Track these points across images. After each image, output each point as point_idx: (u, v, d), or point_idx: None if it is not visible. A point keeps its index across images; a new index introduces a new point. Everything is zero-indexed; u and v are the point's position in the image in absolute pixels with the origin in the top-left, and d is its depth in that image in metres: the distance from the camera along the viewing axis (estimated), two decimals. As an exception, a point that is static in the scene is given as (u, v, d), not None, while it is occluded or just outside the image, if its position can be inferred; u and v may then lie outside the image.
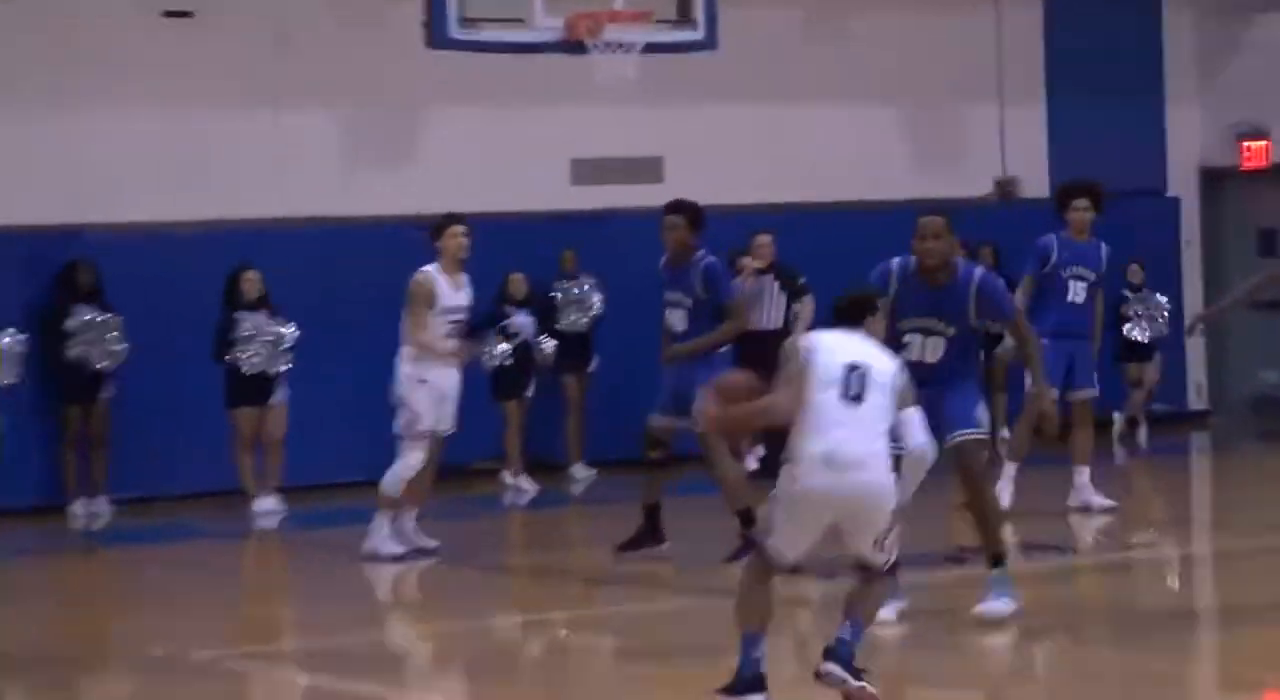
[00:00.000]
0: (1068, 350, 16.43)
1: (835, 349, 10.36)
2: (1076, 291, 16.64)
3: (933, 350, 12.64)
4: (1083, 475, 17.04)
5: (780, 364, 10.36)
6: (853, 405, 10.21)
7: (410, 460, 15.75)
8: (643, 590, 14.61)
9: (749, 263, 19.82)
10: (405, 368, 15.77)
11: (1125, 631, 13.00)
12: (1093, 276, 16.87)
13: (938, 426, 11.66)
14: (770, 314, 19.98)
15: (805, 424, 10.20)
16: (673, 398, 15.38)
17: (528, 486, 20.01)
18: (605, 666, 12.79)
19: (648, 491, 15.56)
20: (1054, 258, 16.82)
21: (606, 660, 12.95)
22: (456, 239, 15.98)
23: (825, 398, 10.19)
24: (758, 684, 10.15)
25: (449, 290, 15.81)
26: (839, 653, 10.24)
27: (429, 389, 15.80)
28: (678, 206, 15.84)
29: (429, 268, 15.86)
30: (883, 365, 10.41)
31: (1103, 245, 16.97)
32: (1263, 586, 14.25)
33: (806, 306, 20.10)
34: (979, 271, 12.92)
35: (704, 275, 15.51)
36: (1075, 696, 11.41)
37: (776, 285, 20.05)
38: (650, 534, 15.60)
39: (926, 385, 11.61)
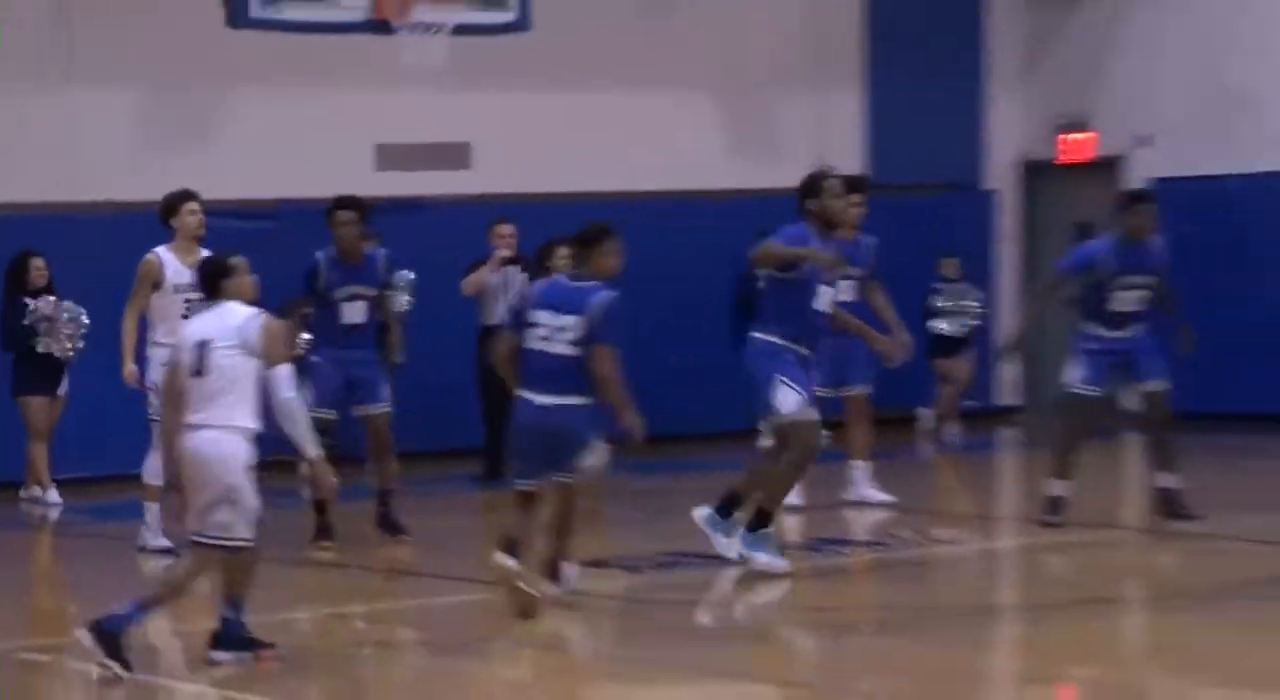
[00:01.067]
0: (835, 348, 16.39)
1: (190, 332, 11.64)
2: (841, 289, 16.26)
3: None
4: (859, 470, 17.64)
5: None
6: (197, 379, 11.37)
7: None
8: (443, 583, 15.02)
9: (498, 254, 19.92)
10: (155, 351, 15.74)
11: (927, 626, 13.28)
12: (860, 272, 17.20)
13: None
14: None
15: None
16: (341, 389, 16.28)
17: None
18: (407, 659, 13.13)
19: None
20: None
21: (408, 653, 13.31)
22: (194, 216, 16.25)
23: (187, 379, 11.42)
24: None
25: (181, 269, 15.81)
26: (228, 634, 11.57)
27: None
28: (351, 202, 16.58)
29: (159, 248, 16.06)
30: (225, 332, 11.41)
31: (865, 239, 17.37)
32: (1065, 581, 14.86)
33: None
34: None
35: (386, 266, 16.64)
36: (876, 690, 11.63)
37: (525, 276, 19.47)
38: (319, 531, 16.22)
39: None
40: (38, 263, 19.33)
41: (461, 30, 17.39)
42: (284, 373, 11.28)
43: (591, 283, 13.33)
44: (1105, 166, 24.65)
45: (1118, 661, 12.54)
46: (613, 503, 17.14)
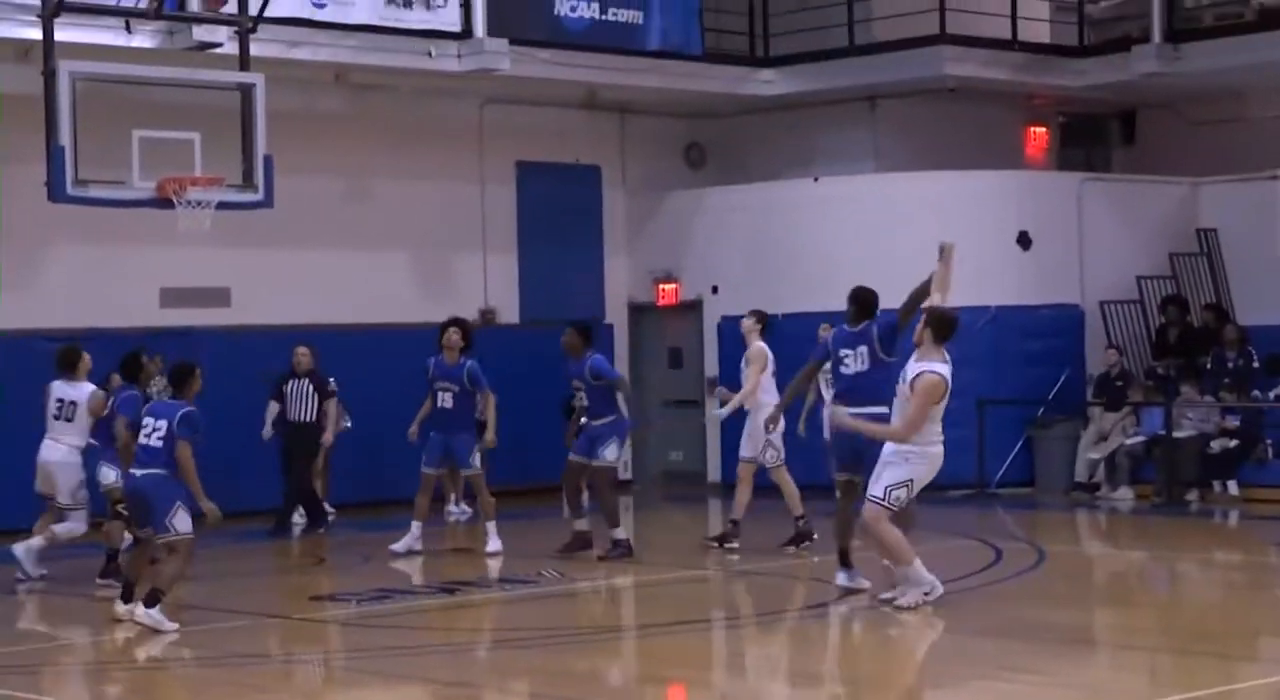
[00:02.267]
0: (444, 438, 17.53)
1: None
2: (445, 399, 17.61)
3: None
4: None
5: None
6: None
7: None
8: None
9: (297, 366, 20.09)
10: None
11: (561, 642, 13.11)
12: (456, 387, 17.64)
13: None
14: (306, 409, 20.09)
15: None
16: None
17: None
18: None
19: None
20: (430, 372, 17.81)
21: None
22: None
23: None
24: None
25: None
26: None
27: None
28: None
29: None
30: None
31: (468, 363, 17.80)
32: (667, 607, 14.73)
33: (333, 405, 20.29)
34: None
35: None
36: (508, 691, 11.51)
37: (311, 387, 20.09)
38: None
39: None
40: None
41: (223, 205, 17.14)
42: None
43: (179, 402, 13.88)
44: (689, 307, 24.89)
45: (707, 667, 12.47)
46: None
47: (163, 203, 16.79)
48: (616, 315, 25.26)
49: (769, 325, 18.03)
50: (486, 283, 24.00)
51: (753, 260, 24.05)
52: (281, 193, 17.58)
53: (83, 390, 16.19)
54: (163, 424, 13.63)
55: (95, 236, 20.31)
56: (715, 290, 24.53)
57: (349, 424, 20.94)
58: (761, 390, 17.45)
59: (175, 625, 13.43)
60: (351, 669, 12.42)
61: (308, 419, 20.08)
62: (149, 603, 13.42)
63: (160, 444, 13.58)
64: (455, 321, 18.20)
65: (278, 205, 17.64)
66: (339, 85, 22.40)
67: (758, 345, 17.70)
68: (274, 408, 20.23)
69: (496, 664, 12.58)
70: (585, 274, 24.94)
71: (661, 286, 25.15)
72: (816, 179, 24.12)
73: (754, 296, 23.45)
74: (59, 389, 16.26)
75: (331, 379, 20.49)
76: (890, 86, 24.03)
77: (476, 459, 17.70)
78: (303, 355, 20.17)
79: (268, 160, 17.31)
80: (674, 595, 15.49)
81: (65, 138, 16.24)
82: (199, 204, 16.81)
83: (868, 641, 12.90)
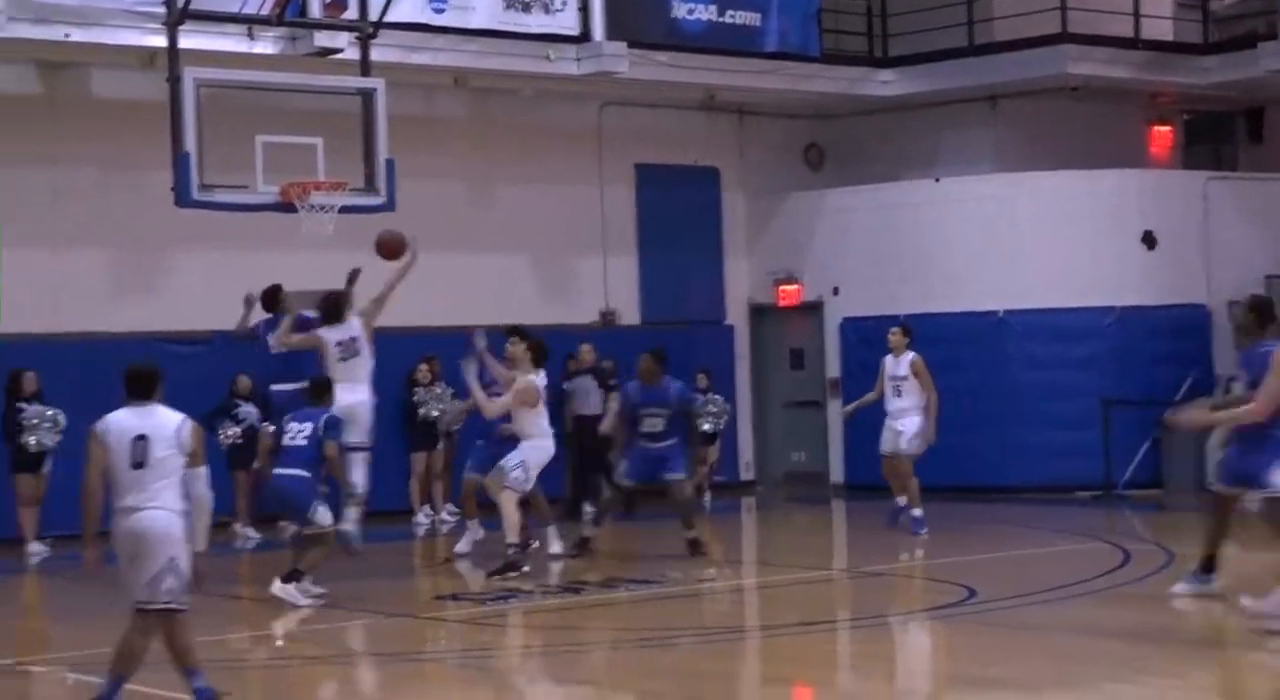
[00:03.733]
0: None
1: (125, 426, 9.94)
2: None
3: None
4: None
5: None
6: (135, 470, 9.86)
7: None
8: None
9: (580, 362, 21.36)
10: None
11: (694, 641, 13.11)
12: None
13: None
14: (591, 403, 20.97)
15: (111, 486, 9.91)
16: None
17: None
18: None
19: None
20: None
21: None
22: None
23: (117, 466, 9.90)
24: None
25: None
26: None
27: None
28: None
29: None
30: (163, 431, 9.91)
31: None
32: (792, 608, 14.61)
33: (614, 398, 20.55)
34: None
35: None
36: (644, 690, 11.42)
37: (594, 381, 21.06)
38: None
39: None
40: (28, 375, 18.98)
41: (346, 210, 17.21)
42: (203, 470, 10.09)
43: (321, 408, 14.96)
44: (810, 309, 24.80)
45: (834, 668, 12.37)
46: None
47: (286, 207, 16.91)
48: (737, 317, 25.22)
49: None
50: (607, 284, 24.02)
51: (874, 261, 23.93)
52: (403, 196, 17.64)
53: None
54: (308, 426, 14.74)
55: (220, 241, 20.46)
56: (836, 291, 24.44)
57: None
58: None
59: (308, 601, 14.25)
60: (475, 668, 12.41)
61: (593, 412, 20.83)
62: (287, 579, 14.44)
63: (305, 444, 14.66)
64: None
65: (399, 209, 17.68)
66: (459, 89, 22.49)
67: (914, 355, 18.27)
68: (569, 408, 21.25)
69: (623, 664, 12.51)
70: (705, 275, 24.90)
71: (782, 288, 25.07)
72: (938, 179, 23.97)
73: (875, 297, 23.52)
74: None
75: (612, 376, 21.26)
76: (1011, 86, 23.83)
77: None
78: (585, 352, 21.22)
79: (389, 164, 17.39)
80: (798, 597, 15.38)
81: (190, 144, 16.39)
82: (322, 208, 16.91)
83: (996, 643, 12.74)
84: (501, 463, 16.09)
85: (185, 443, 9.88)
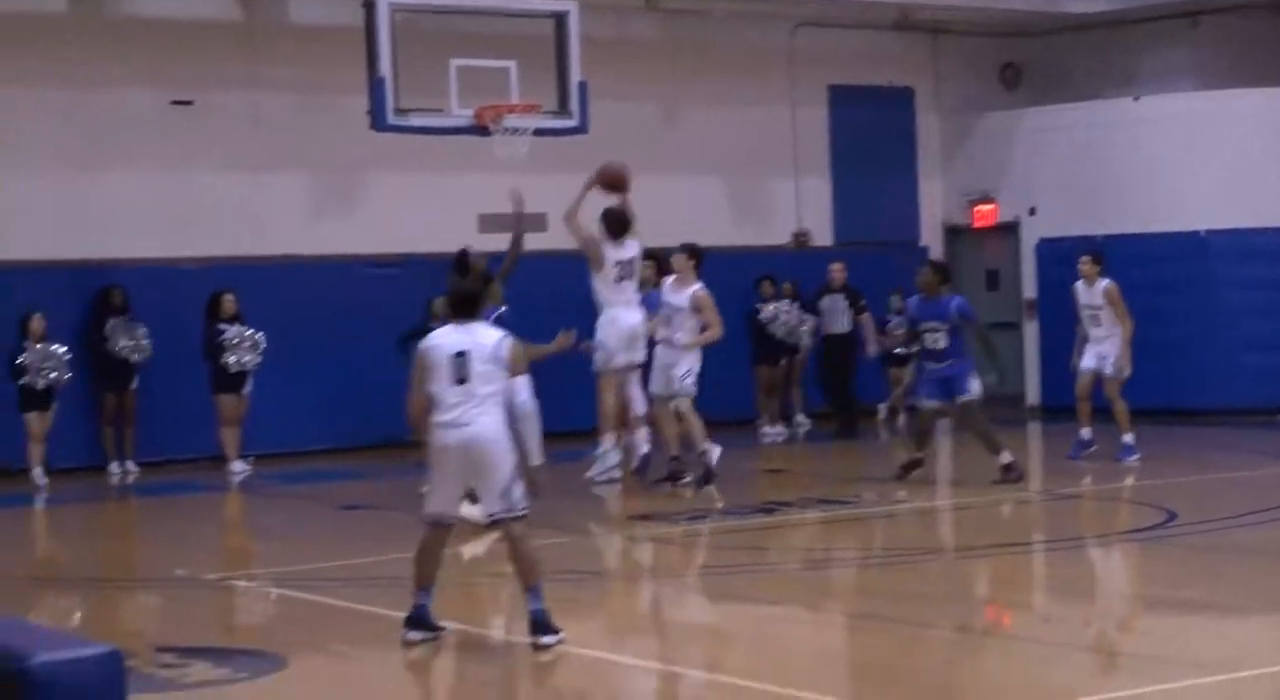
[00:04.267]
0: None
1: (445, 344, 9.90)
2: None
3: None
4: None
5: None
6: (458, 385, 9.81)
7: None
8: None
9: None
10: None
11: (890, 564, 13.15)
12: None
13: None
14: (841, 321, 21.51)
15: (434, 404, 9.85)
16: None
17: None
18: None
19: None
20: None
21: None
22: None
23: (440, 382, 9.82)
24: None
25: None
26: (540, 623, 9.78)
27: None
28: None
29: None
30: (482, 348, 9.85)
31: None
32: (987, 530, 14.57)
33: (867, 318, 21.66)
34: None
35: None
36: (839, 610, 11.47)
37: (845, 301, 21.49)
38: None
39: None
40: (228, 296, 19.28)
41: (539, 132, 17.31)
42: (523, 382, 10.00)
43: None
44: (1006, 229, 24.55)
45: (1030, 589, 12.31)
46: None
47: (480, 130, 17.05)
48: (932, 238, 25.06)
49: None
50: (799, 206, 23.94)
51: (1071, 181, 23.65)
52: (595, 119, 17.71)
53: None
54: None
55: (415, 164, 20.68)
56: (1033, 212, 24.19)
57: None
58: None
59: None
60: (672, 587, 12.50)
61: (841, 330, 21.33)
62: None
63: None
64: None
65: (592, 131, 17.73)
66: (651, 11, 22.49)
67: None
68: (812, 322, 21.73)
69: (816, 583, 12.53)
70: (899, 196, 24.75)
71: (978, 208, 24.86)
72: (1137, 98, 23.56)
73: (1072, 217, 23.25)
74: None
75: (863, 296, 21.69)
76: (1213, 2, 23.32)
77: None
78: (836, 272, 21.52)
79: (582, 87, 17.45)
80: (994, 519, 15.28)
81: (386, 68, 16.56)
82: (515, 131, 17.03)
83: (1197, 566, 12.58)
84: (673, 373, 16.26)
85: (504, 357, 9.87)
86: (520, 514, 9.91)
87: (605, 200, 16.75)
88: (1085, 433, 18.12)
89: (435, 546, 10.08)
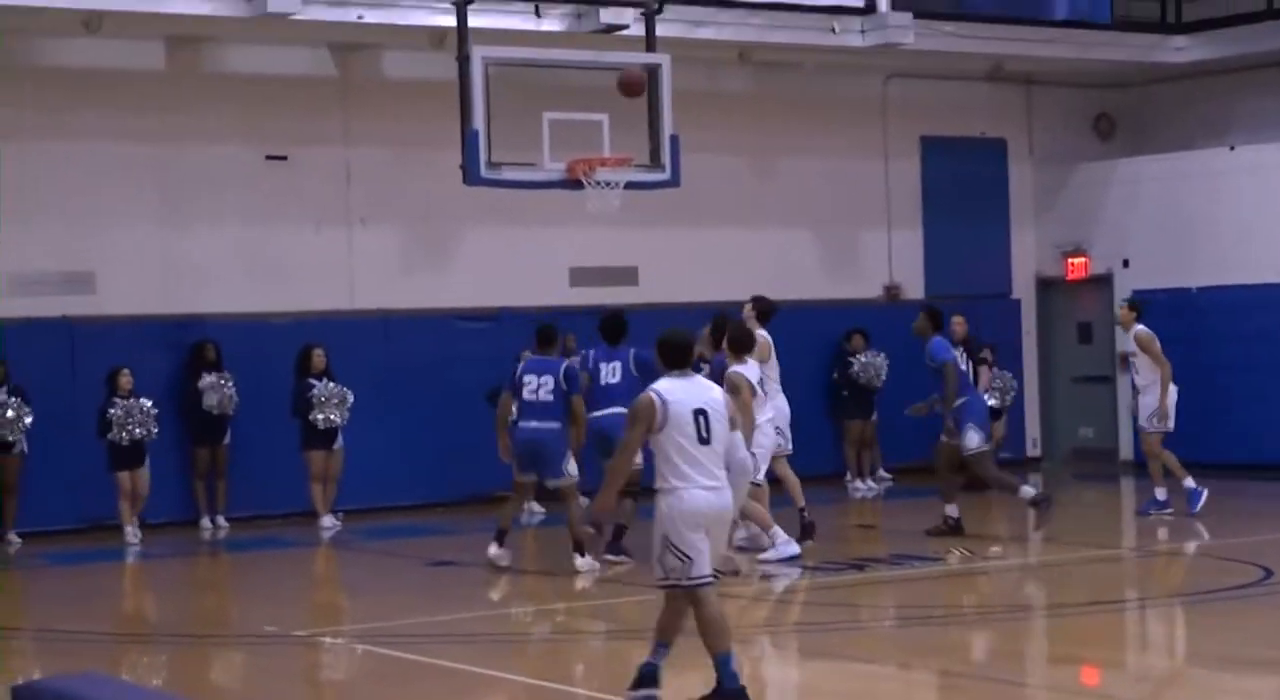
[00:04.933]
0: None
1: (683, 399, 9.50)
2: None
3: None
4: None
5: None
6: (703, 446, 9.50)
7: None
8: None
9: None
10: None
11: (984, 620, 13.04)
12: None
13: None
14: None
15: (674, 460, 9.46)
16: None
17: (538, 509, 19.88)
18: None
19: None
20: None
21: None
22: None
23: (680, 440, 9.46)
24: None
25: None
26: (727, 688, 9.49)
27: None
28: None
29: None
30: (716, 404, 9.59)
31: None
32: (1080, 587, 14.39)
33: (985, 371, 21.03)
34: None
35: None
36: (931, 668, 11.31)
37: (967, 355, 20.43)
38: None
39: None
40: (317, 351, 19.30)
41: (631, 186, 17.25)
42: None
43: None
44: (1099, 281, 24.34)
45: (1122, 648, 12.13)
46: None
47: (572, 183, 16.98)
48: (1024, 290, 24.85)
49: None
50: (891, 259, 23.83)
51: (1165, 232, 23.40)
52: (687, 171, 17.63)
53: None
54: (548, 379, 15.21)
55: (507, 218, 20.69)
56: (1126, 263, 23.95)
57: None
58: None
59: (594, 564, 14.90)
60: (759, 643, 12.39)
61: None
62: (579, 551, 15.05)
63: (551, 398, 15.11)
64: None
65: (683, 184, 17.69)
66: (743, 64, 22.46)
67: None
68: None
69: (908, 641, 12.42)
70: (991, 248, 24.56)
71: (1070, 260, 24.63)
72: (1232, 147, 23.32)
73: (1166, 269, 23.00)
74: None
75: (986, 348, 21.25)
76: (1311, 50, 23.08)
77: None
78: (958, 325, 20.62)
79: (674, 139, 17.38)
80: (1086, 575, 15.09)
81: (479, 122, 16.55)
82: (607, 184, 16.94)
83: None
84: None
85: (729, 414, 9.67)
86: (714, 576, 9.65)
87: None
88: (1159, 493, 17.83)
89: (686, 607, 9.68)
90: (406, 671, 11.29)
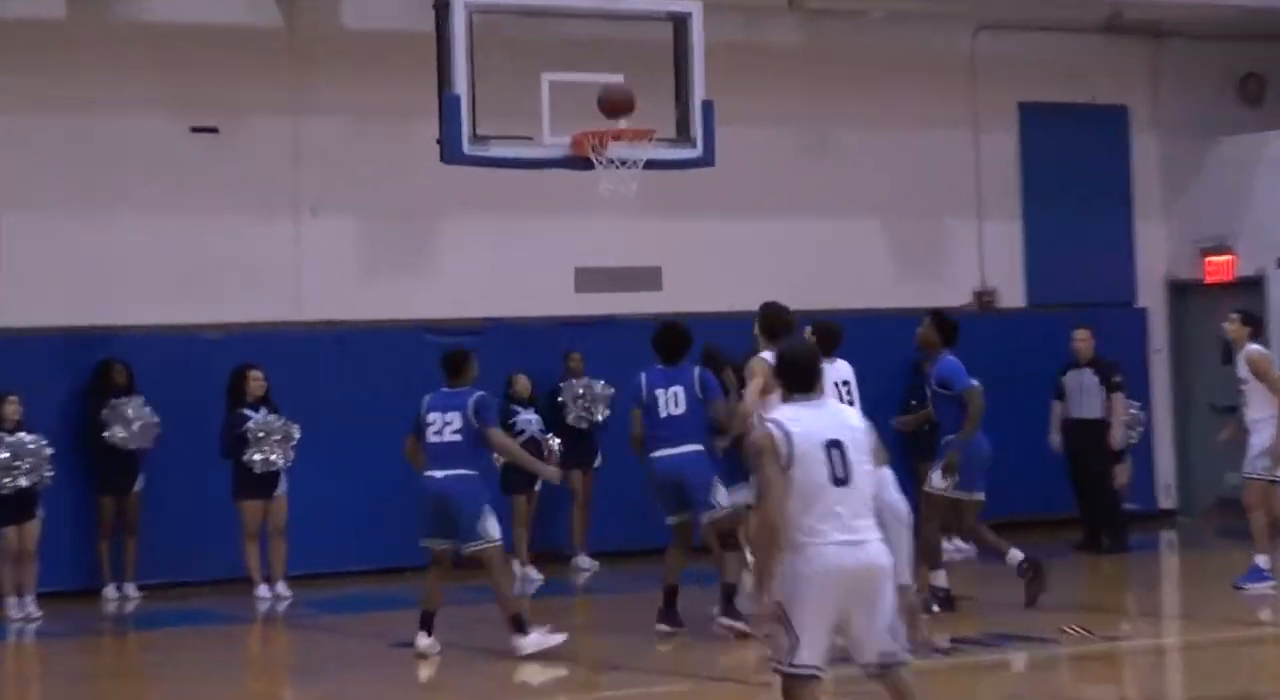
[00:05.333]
0: None
1: (810, 429, 9.28)
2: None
3: None
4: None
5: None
6: (838, 488, 9.21)
7: None
8: (645, 676, 14.61)
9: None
10: None
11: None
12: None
13: None
14: (1092, 403, 21.24)
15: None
16: None
17: (535, 576, 20.06)
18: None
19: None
20: None
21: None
22: None
23: (811, 482, 9.19)
24: None
25: None
26: None
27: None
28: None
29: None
30: (855, 433, 9.38)
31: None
32: (1224, 677, 14.29)
33: (1119, 399, 21.30)
34: None
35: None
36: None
37: (1096, 378, 21.18)
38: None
39: None
40: (254, 374, 19.33)
41: (652, 165, 17.24)
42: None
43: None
44: (1248, 285, 24.26)
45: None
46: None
47: (579, 162, 17.02)
48: (1151, 297, 24.96)
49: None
50: (982, 257, 23.85)
51: (1331, 223, 23.48)
52: (723, 147, 17.64)
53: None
54: (454, 415, 14.93)
55: (496, 206, 20.74)
56: (1281, 264, 24.01)
57: None
58: None
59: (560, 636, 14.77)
60: None
61: (1094, 415, 21.12)
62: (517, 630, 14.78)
63: (459, 439, 14.92)
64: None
65: (719, 163, 17.69)
66: (792, 12, 22.50)
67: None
68: (1057, 407, 21.39)
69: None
70: (1109, 245, 24.63)
71: (1210, 259, 24.66)
72: None
73: (1333, 270, 23.00)
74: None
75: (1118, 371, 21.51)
76: None
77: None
78: (1082, 341, 21.15)
79: (707, 107, 17.42)
80: (1232, 660, 15.03)
81: (461, 85, 16.58)
82: (623, 163, 16.97)
83: None
84: None
85: (873, 446, 9.38)
86: (908, 657, 9.38)
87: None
88: (1260, 559, 17.53)
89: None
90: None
